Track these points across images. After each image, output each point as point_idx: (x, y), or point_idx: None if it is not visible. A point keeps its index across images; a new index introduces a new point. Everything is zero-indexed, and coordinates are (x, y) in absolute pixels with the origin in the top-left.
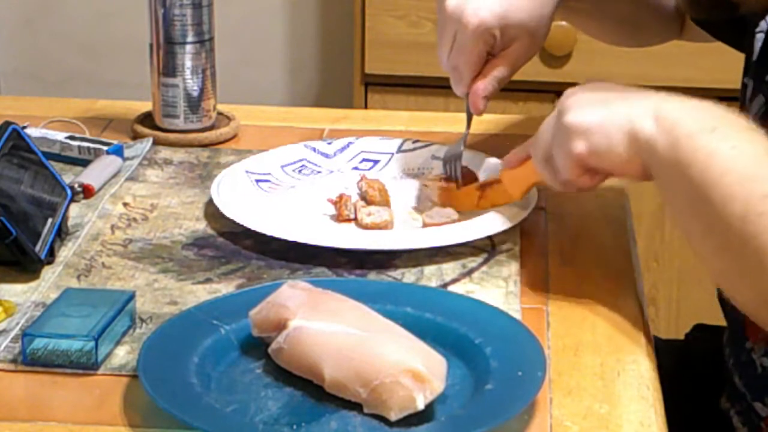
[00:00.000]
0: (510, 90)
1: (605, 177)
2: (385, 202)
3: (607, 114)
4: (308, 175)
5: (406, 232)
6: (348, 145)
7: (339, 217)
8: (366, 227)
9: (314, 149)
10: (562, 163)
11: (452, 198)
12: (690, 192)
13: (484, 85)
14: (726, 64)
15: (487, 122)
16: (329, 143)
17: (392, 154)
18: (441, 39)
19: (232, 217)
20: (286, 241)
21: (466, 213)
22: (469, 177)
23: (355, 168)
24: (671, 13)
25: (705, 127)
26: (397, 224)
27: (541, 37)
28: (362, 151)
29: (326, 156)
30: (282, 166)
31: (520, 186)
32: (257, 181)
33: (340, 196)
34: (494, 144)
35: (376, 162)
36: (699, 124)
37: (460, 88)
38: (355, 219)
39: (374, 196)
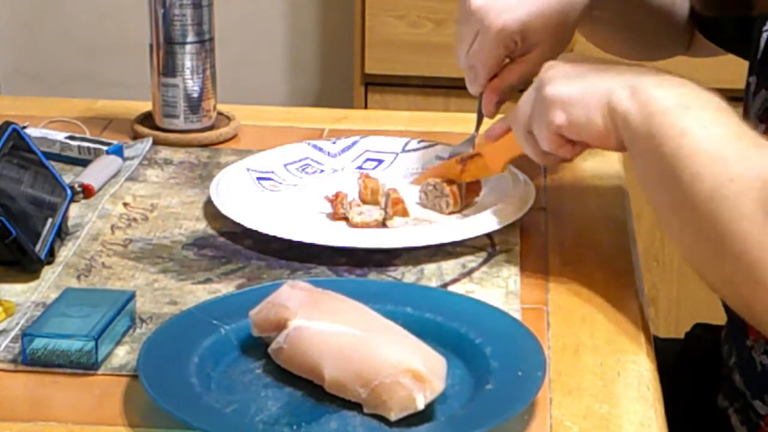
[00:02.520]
0: None
1: (584, 148)
2: (376, 202)
3: (586, 87)
4: (311, 173)
5: (401, 230)
6: (353, 144)
7: (334, 215)
8: (355, 226)
9: (319, 148)
10: (542, 135)
11: (434, 172)
12: (661, 167)
13: (499, 91)
14: (727, 66)
15: (486, 122)
16: (334, 142)
17: (397, 153)
18: (461, 36)
19: (229, 215)
20: (286, 241)
21: (448, 214)
22: (474, 181)
23: (359, 167)
24: (683, 27)
25: (679, 104)
26: (404, 223)
27: (563, 45)
28: (367, 150)
29: (330, 155)
30: (285, 165)
31: (500, 159)
32: (259, 178)
33: (336, 194)
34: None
35: (380, 161)
36: (674, 100)
37: (474, 87)
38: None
39: (366, 195)
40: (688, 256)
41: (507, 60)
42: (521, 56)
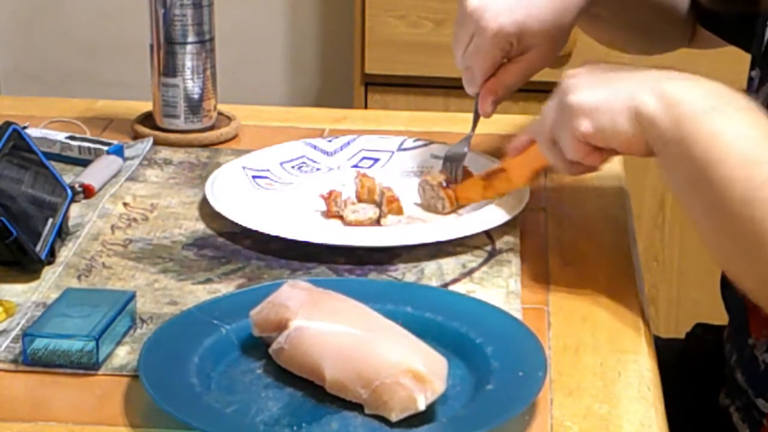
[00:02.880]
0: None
1: (611, 155)
2: (373, 201)
3: (611, 93)
4: (308, 172)
5: (397, 228)
6: (349, 143)
7: (328, 213)
8: (350, 224)
9: (315, 146)
10: (567, 144)
11: (458, 190)
12: (692, 171)
13: (494, 90)
14: (728, 64)
15: (486, 122)
16: (330, 141)
17: (393, 152)
18: (457, 36)
19: (224, 213)
20: (285, 241)
21: (444, 214)
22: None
23: (356, 166)
24: (683, 20)
25: (707, 106)
26: (398, 221)
27: (559, 46)
28: (363, 149)
29: (326, 153)
30: (281, 163)
31: (524, 172)
32: (254, 177)
33: (330, 192)
34: (494, 144)
35: (376, 160)
36: (701, 102)
37: (471, 88)
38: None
39: (362, 194)
40: (723, 260)
41: (504, 60)
42: (517, 57)
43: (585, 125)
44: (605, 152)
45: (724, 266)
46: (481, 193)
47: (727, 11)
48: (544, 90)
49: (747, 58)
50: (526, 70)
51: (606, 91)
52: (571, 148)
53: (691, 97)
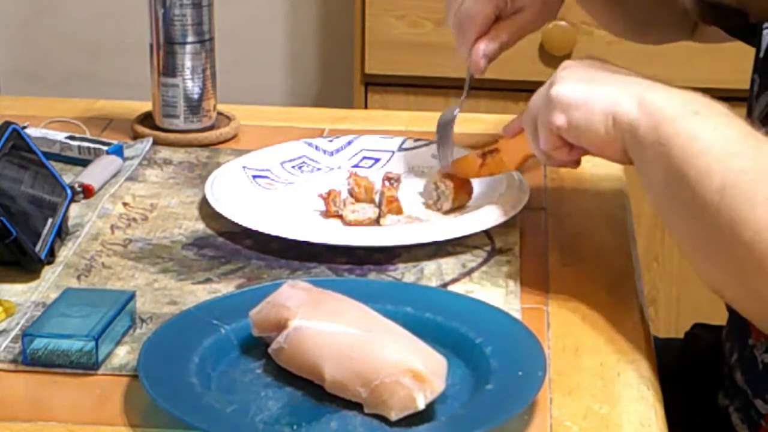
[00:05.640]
0: (510, 90)
1: (581, 153)
2: (371, 200)
3: (592, 92)
4: (308, 172)
5: (397, 228)
6: (349, 143)
7: (327, 213)
8: (349, 224)
9: (315, 146)
10: (542, 134)
11: (457, 165)
12: (668, 171)
13: (486, 44)
14: (729, 64)
15: (486, 122)
16: (330, 141)
17: (393, 152)
18: None
19: (223, 213)
20: (285, 241)
21: (444, 213)
22: (465, 180)
23: (356, 166)
24: (683, 10)
25: (687, 110)
26: (398, 221)
27: (552, 9)
28: (363, 149)
29: (327, 153)
30: (281, 163)
31: (515, 157)
32: (254, 177)
33: (329, 192)
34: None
35: (377, 160)
36: (682, 108)
37: (462, 48)
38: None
39: (359, 194)
40: (693, 254)
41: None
42: (512, 15)
43: (559, 119)
44: (576, 150)
45: (693, 261)
46: (476, 170)
47: (719, 24)
48: None
49: (750, 57)
50: (519, 28)
51: (587, 89)
52: (544, 138)
53: (671, 103)
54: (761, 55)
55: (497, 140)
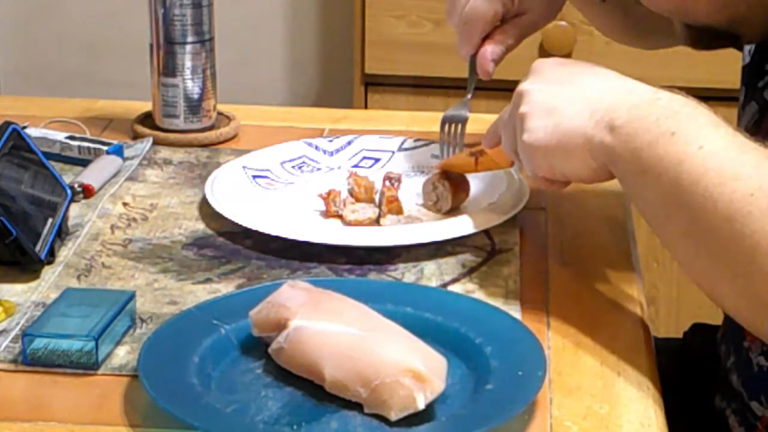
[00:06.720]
0: (510, 90)
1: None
2: (371, 200)
3: (560, 130)
4: (308, 172)
5: (397, 228)
6: (349, 143)
7: (327, 213)
8: (349, 224)
9: (315, 146)
10: (530, 176)
11: (453, 161)
12: (664, 200)
13: (493, 48)
14: (726, 64)
15: (486, 122)
16: (330, 141)
17: (393, 152)
18: None
19: (223, 213)
20: (285, 240)
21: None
22: (462, 180)
23: (356, 166)
24: None
25: (664, 131)
26: (397, 221)
27: (556, 9)
28: (363, 149)
29: (327, 153)
30: (281, 163)
31: (504, 157)
32: (254, 177)
33: (329, 192)
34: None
35: (377, 160)
36: (656, 130)
37: (466, 48)
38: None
39: (359, 194)
40: (704, 279)
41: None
42: (515, 17)
43: (543, 168)
44: (567, 183)
45: (704, 285)
46: (473, 167)
47: (710, 48)
48: None
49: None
50: (522, 31)
51: (555, 128)
52: (534, 180)
53: (644, 125)
54: (745, 62)
55: None
